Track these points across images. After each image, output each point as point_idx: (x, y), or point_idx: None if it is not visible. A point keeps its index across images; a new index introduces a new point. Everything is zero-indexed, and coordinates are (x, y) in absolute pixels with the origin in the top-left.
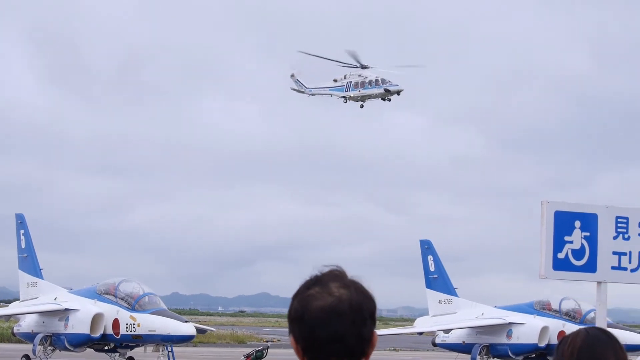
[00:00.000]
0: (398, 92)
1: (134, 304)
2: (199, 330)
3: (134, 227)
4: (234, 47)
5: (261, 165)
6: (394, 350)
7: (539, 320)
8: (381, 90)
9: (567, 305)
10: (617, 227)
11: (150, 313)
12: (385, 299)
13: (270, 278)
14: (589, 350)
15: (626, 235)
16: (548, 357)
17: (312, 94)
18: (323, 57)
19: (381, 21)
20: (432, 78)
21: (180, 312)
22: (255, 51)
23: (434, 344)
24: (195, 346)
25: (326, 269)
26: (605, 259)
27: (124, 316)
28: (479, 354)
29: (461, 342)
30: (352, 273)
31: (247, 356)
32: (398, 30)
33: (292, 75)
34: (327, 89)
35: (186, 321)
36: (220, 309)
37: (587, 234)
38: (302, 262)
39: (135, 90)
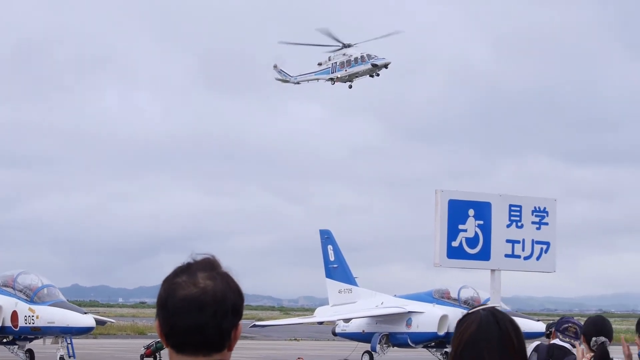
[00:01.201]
0: (386, 66)
1: (32, 296)
2: (98, 322)
3: (33, 219)
4: (134, 39)
5: (162, 155)
6: (295, 340)
7: (438, 308)
8: (368, 66)
9: (465, 294)
10: (510, 216)
11: (49, 305)
12: (286, 289)
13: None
14: (474, 343)
15: (519, 224)
16: (447, 346)
17: (297, 82)
18: (305, 44)
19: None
20: None
21: (80, 304)
22: (156, 43)
23: (334, 334)
24: (95, 338)
25: (199, 257)
26: (498, 247)
27: (23, 308)
28: (378, 343)
29: (361, 331)
30: (225, 263)
31: (147, 347)
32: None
33: (275, 66)
34: (313, 74)
35: (86, 313)
36: (120, 300)
37: (481, 222)
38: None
39: (33, 80)
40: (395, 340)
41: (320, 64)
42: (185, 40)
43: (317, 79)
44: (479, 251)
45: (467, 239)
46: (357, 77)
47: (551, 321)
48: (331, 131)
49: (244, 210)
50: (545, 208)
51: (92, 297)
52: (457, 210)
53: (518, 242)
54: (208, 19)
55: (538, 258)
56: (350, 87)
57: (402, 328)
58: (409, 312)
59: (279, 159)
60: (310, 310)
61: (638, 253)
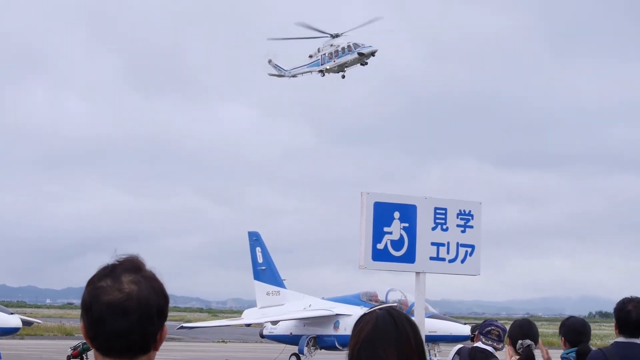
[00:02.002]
0: (372, 53)
1: None
2: (25, 323)
3: None
4: (64, 39)
5: (90, 156)
6: (223, 342)
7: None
8: (355, 55)
9: (393, 297)
10: (435, 218)
11: None
12: (214, 291)
13: None
14: (371, 341)
15: (444, 226)
16: None
17: (293, 75)
18: (293, 38)
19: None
20: (263, 70)
21: (7, 305)
22: (86, 44)
23: (262, 336)
24: (22, 338)
25: (123, 258)
26: (423, 249)
27: None
28: (306, 345)
29: (289, 333)
30: (150, 264)
31: (74, 349)
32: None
33: (270, 61)
34: (305, 67)
35: (12, 313)
36: (48, 301)
37: (406, 225)
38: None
39: None
40: (322, 342)
41: (311, 56)
42: (115, 42)
43: (311, 72)
44: (404, 254)
45: (392, 242)
46: (347, 67)
47: (476, 324)
48: (261, 133)
49: (173, 212)
50: (470, 211)
51: (20, 297)
52: (383, 213)
53: (443, 244)
54: (137, 20)
55: (463, 261)
56: (343, 77)
57: (329, 331)
58: (337, 314)
59: (208, 160)
60: (238, 312)
61: (566, 257)
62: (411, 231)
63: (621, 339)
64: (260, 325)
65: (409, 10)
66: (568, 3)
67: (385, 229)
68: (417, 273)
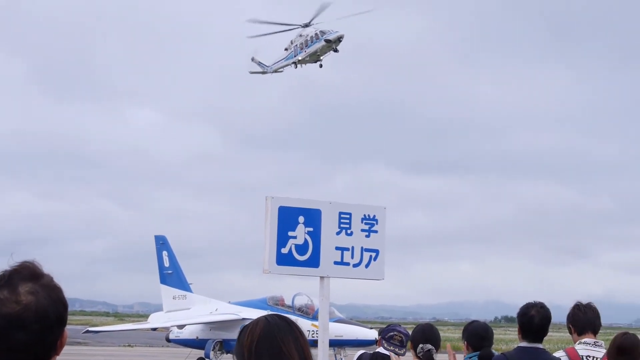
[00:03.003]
0: (339, 39)
1: None
2: None
3: None
4: None
5: None
6: (129, 346)
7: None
8: (322, 43)
9: (300, 301)
10: (340, 223)
11: None
12: (121, 295)
13: None
14: (268, 339)
15: (349, 231)
16: None
17: (274, 71)
18: (270, 33)
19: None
20: (171, 75)
21: None
22: None
23: (168, 340)
24: None
25: (19, 265)
26: (328, 254)
27: None
28: (212, 350)
29: (195, 337)
30: (46, 268)
31: None
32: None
33: (253, 59)
34: (283, 60)
35: None
36: None
37: (311, 229)
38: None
39: None
40: (229, 347)
41: (286, 49)
42: (22, 45)
43: (288, 64)
44: (308, 258)
45: (297, 246)
46: (319, 55)
47: (382, 329)
48: (169, 137)
49: (80, 215)
50: (375, 216)
51: None
52: (287, 217)
53: (347, 249)
54: (45, 24)
55: (367, 266)
56: (321, 66)
57: (235, 335)
58: (243, 319)
59: (115, 164)
60: (145, 316)
61: (472, 262)
62: (316, 236)
63: (524, 344)
64: (167, 329)
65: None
66: (471, 12)
67: (290, 234)
68: (322, 277)
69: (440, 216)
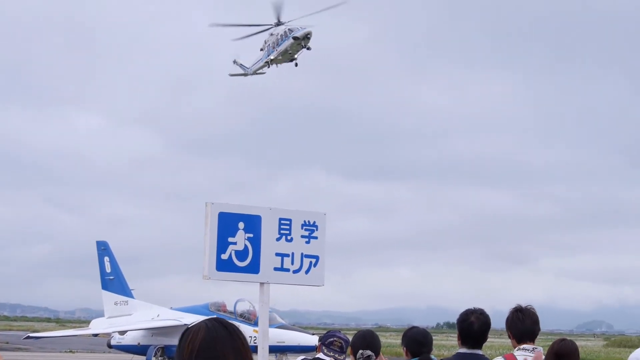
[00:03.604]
0: (307, 36)
1: None
2: None
3: None
4: None
5: None
6: (70, 352)
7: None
8: (291, 41)
9: (241, 307)
10: (280, 229)
11: None
12: (62, 300)
13: None
14: (207, 350)
15: (289, 237)
16: None
17: (254, 72)
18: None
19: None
20: (112, 80)
21: None
22: None
23: (110, 346)
24: None
25: None
26: (268, 260)
27: None
28: (154, 356)
29: (136, 343)
30: None
31: None
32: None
33: (235, 61)
34: (261, 61)
35: None
36: None
37: (251, 235)
38: None
39: None
40: (170, 352)
41: (262, 50)
42: None
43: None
44: (249, 264)
45: (237, 252)
46: (292, 54)
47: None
48: (110, 142)
49: (20, 220)
50: (314, 222)
51: None
52: (227, 223)
53: (287, 255)
54: None
55: (307, 272)
56: (296, 65)
57: (177, 341)
58: (185, 324)
59: (56, 168)
60: (86, 322)
61: (414, 268)
62: (256, 242)
63: (463, 350)
64: (108, 335)
65: (255, 19)
66: (413, 19)
67: (230, 240)
68: (261, 283)
69: (382, 222)
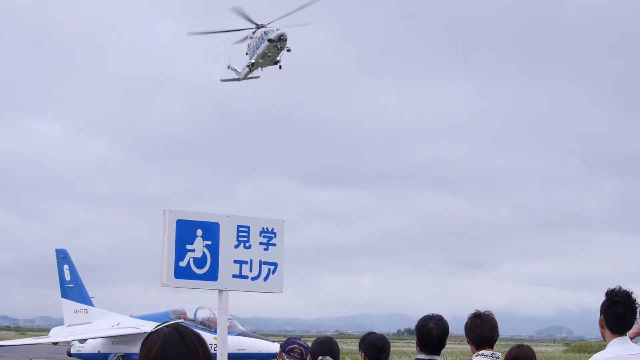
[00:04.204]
0: (281, 37)
1: None
2: None
3: None
4: None
5: None
6: None
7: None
8: (266, 43)
9: (202, 315)
10: (238, 236)
11: None
12: (22, 309)
13: None
14: (163, 351)
15: (247, 244)
16: None
17: (244, 77)
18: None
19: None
20: (70, 87)
21: None
22: None
23: (69, 354)
24: None
25: None
26: (226, 267)
27: None
28: None
29: (96, 351)
30: None
31: None
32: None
33: (229, 66)
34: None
35: None
36: None
37: (209, 242)
38: None
39: None
40: None
41: (247, 54)
42: None
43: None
44: (207, 271)
45: (195, 259)
46: (270, 56)
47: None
48: (69, 149)
49: None
50: (273, 229)
51: None
52: (185, 230)
53: (246, 262)
54: None
55: (266, 279)
56: (280, 67)
57: (137, 349)
58: (145, 332)
59: (15, 175)
60: (46, 331)
61: (375, 275)
62: (214, 249)
63: (422, 356)
64: (68, 343)
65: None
66: (374, 25)
67: (188, 247)
68: (220, 291)
69: (342, 229)
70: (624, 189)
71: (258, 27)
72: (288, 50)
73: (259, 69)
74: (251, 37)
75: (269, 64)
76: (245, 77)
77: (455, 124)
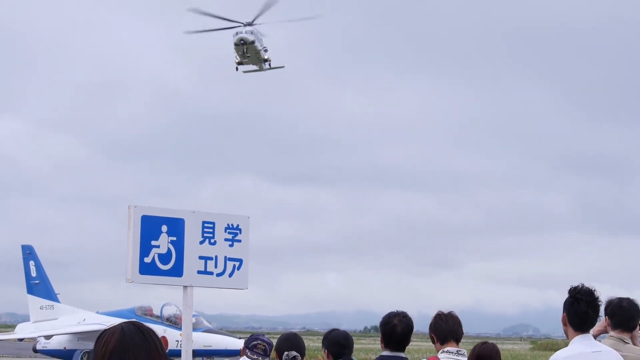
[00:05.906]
0: (241, 41)
1: None
2: None
3: None
4: None
5: None
6: None
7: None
8: (238, 43)
9: (168, 311)
10: (203, 232)
11: None
12: None
13: None
14: (121, 350)
15: (212, 240)
16: None
17: (269, 68)
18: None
19: None
20: (35, 83)
21: None
22: None
23: (35, 350)
24: None
25: None
26: (191, 263)
27: None
28: None
29: (62, 348)
30: None
31: None
32: None
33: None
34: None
35: None
36: None
37: (174, 238)
38: None
39: None
40: None
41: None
42: None
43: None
44: (172, 267)
45: (160, 255)
46: (250, 55)
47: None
48: (34, 146)
49: None
50: (238, 225)
51: None
52: (150, 226)
53: (211, 258)
54: None
55: (231, 275)
56: (270, 66)
57: None
58: None
59: None
60: (12, 327)
61: (341, 273)
62: (179, 245)
63: (386, 353)
64: (34, 339)
65: (179, 30)
66: (337, 27)
67: (153, 243)
68: (185, 287)
69: (308, 227)
70: (587, 189)
71: (245, 25)
72: (265, 50)
73: (265, 63)
74: (234, 36)
75: (260, 62)
76: (270, 68)
77: (419, 123)
